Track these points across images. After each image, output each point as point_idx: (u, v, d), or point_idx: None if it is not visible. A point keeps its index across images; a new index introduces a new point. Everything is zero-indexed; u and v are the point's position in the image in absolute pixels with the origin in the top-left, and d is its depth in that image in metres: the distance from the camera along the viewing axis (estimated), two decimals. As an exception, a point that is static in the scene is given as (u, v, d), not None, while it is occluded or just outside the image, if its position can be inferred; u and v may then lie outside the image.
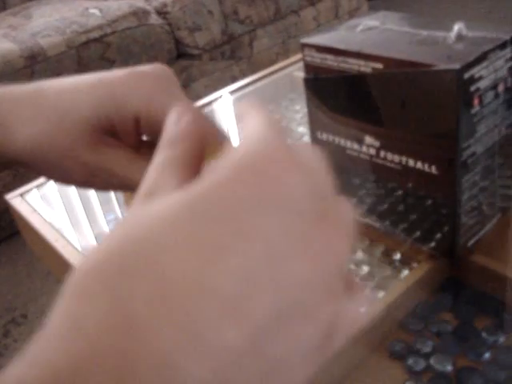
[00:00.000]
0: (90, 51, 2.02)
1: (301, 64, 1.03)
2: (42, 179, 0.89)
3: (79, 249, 0.75)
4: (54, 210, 0.85)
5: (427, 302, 0.62)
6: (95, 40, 2.04)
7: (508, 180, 0.65)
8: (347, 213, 0.26)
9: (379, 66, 0.55)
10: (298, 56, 1.14)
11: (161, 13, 2.23)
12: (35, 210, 0.84)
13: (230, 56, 2.38)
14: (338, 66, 0.58)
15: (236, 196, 0.22)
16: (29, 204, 0.86)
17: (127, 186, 0.41)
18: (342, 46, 0.58)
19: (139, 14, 2.15)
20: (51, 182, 0.90)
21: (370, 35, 0.59)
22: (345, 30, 0.62)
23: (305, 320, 0.23)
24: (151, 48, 2.14)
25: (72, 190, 0.90)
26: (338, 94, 0.61)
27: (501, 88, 0.56)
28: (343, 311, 0.25)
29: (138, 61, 2.11)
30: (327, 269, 0.23)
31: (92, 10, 2.16)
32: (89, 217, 0.84)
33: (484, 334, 0.57)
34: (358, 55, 0.56)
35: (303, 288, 0.22)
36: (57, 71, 1.96)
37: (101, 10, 2.15)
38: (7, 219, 1.92)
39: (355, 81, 0.58)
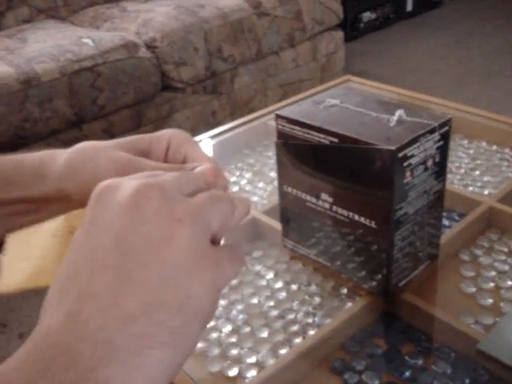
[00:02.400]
0: (82, 79, 2.14)
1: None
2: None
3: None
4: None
5: (364, 330, 0.75)
6: (87, 69, 2.15)
7: (436, 232, 0.79)
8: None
9: (335, 140, 0.69)
10: (275, 106, 1.28)
11: (150, 47, 2.35)
12: None
13: (211, 91, 2.51)
14: (303, 136, 0.73)
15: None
16: None
17: None
18: (307, 121, 0.72)
19: (129, 47, 2.28)
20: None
21: (331, 112, 0.74)
22: (311, 105, 0.76)
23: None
24: (138, 79, 2.27)
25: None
26: (302, 157, 0.75)
27: (430, 163, 0.70)
28: None
29: (125, 91, 2.23)
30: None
31: (85, 40, 2.28)
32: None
33: (407, 358, 0.70)
34: (319, 129, 0.70)
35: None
36: (49, 96, 2.07)
37: (94, 41, 2.27)
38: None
39: (316, 149, 0.72)
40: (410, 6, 4.25)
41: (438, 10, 4.42)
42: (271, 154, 1.16)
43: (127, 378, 0.32)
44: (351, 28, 3.86)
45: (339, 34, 3.01)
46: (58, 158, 0.53)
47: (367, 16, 3.99)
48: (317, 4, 2.79)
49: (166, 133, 0.52)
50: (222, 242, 0.42)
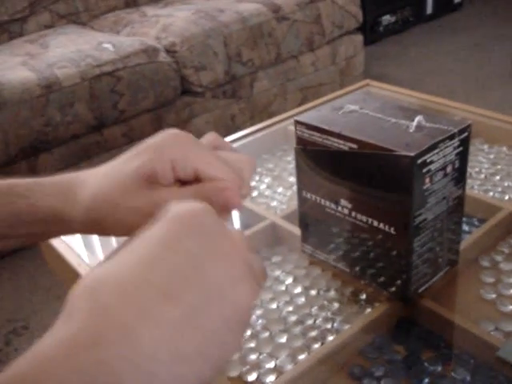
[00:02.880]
0: (102, 84, 2.16)
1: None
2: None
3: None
4: (77, 237, 0.98)
5: (384, 336, 0.75)
6: (107, 74, 2.17)
7: (456, 237, 0.79)
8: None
9: (354, 146, 0.69)
10: (294, 111, 1.28)
11: (169, 51, 2.37)
12: (74, 252, 0.95)
13: (231, 95, 2.52)
14: (322, 142, 0.73)
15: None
16: (68, 245, 0.97)
17: None
18: (326, 127, 0.72)
19: (149, 52, 2.29)
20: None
21: (350, 118, 0.74)
22: (330, 111, 0.76)
23: (223, 301, 0.35)
24: (158, 84, 2.28)
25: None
26: (322, 163, 0.75)
27: (449, 169, 0.70)
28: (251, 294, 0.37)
29: (145, 95, 2.25)
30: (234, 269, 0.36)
31: (106, 45, 2.30)
32: (110, 244, 0.97)
33: (426, 364, 0.70)
34: (338, 135, 0.71)
35: (220, 280, 0.35)
36: (70, 101, 2.09)
37: (114, 45, 2.29)
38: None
39: (335, 155, 0.72)
40: (429, 9, 4.23)
41: (458, 12, 4.39)
42: (290, 158, 1.16)
43: None
44: (370, 31, 3.84)
45: (358, 38, 3.00)
46: (76, 203, 0.52)
47: (387, 19, 3.97)
48: (336, 8, 2.79)
49: (167, 150, 0.50)
50: None
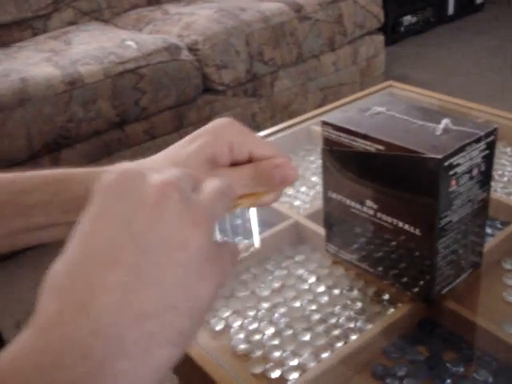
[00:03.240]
0: (125, 81, 2.17)
1: (318, 119, 1.18)
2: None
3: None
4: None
5: (406, 336, 0.76)
6: (130, 71, 2.19)
7: (480, 240, 0.80)
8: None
9: (381, 147, 0.70)
10: (317, 111, 1.29)
11: (192, 49, 2.38)
12: None
13: (252, 94, 2.53)
14: (349, 143, 0.74)
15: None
16: None
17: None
18: (353, 128, 0.73)
19: (172, 50, 2.31)
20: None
21: (377, 120, 0.75)
22: (357, 112, 0.77)
23: (166, 249, 0.35)
24: (180, 82, 2.29)
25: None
26: (348, 164, 0.76)
27: (475, 172, 0.71)
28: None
29: (167, 93, 2.26)
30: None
31: (128, 42, 2.32)
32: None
33: (448, 365, 0.71)
34: (365, 137, 0.71)
35: (155, 234, 0.35)
36: (93, 97, 2.11)
37: (137, 43, 2.30)
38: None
39: (362, 156, 0.73)
40: (451, 10, 4.22)
41: (480, 13, 4.37)
42: (313, 158, 1.17)
43: (135, 374, 0.33)
44: (392, 32, 3.84)
45: (379, 38, 3.00)
46: None
47: (408, 20, 3.96)
48: (358, 8, 2.79)
49: (224, 135, 0.54)
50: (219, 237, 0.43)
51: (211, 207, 0.39)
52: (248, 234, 0.96)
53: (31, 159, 2.06)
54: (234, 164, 0.54)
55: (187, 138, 0.56)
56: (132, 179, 0.38)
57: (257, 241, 0.93)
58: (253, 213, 0.97)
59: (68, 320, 0.33)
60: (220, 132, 0.54)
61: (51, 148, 2.09)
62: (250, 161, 0.54)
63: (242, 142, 0.54)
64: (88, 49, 2.29)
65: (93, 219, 0.37)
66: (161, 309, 0.34)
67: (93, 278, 0.34)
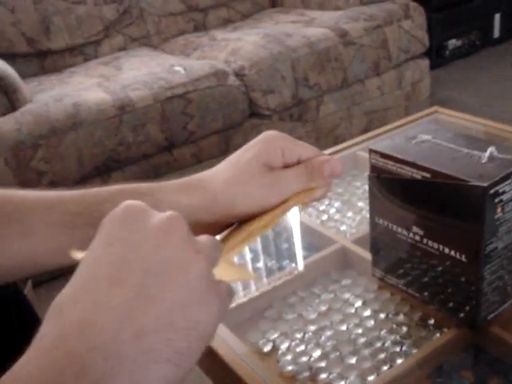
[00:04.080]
0: (173, 106, 2.23)
1: (364, 145, 1.20)
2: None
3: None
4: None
5: (452, 361, 0.77)
6: (178, 96, 2.24)
7: (526, 268, 0.80)
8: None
9: (427, 175, 0.72)
10: (362, 138, 1.31)
11: (238, 75, 2.43)
12: None
13: (297, 118, 2.56)
14: (396, 170, 0.76)
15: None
16: None
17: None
18: (400, 156, 0.75)
19: (219, 75, 2.35)
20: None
21: (423, 148, 0.76)
22: (404, 140, 0.79)
23: (170, 272, 0.39)
24: (227, 106, 2.34)
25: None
26: (395, 191, 0.78)
27: (521, 199, 0.72)
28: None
29: (214, 117, 2.31)
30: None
31: (177, 68, 2.37)
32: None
33: (494, 391, 0.72)
34: (412, 164, 0.73)
35: (160, 256, 0.39)
36: (142, 122, 2.17)
37: (185, 69, 2.36)
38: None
39: (408, 183, 0.75)
40: (496, 33, 4.20)
41: (527, 37, 4.34)
42: (359, 184, 1.19)
43: None
44: (436, 55, 3.84)
45: (424, 62, 3.01)
46: (208, 193, 0.60)
47: (453, 43, 3.96)
48: (402, 33, 2.81)
49: (275, 142, 0.60)
50: None
51: (210, 247, 0.43)
52: (293, 257, 0.98)
53: (82, 181, 2.12)
54: (286, 166, 0.60)
55: (242, 148, 0.61)
56: (138, 211, 0.42)
57: (300, 264, 0.95)
58: (297, 237, 0.99)
59: (70, 338, 0.35)
60: (271, 140, 0.60)
61: (101, 170, 2.15)
62: (299, 163, 0.61)
63: (291, 147, 0.60)
64: (137, 74, 2.36)
65: (100, 245, 0.40)
66: (160, 326, 0.37)
67: (97, 297, 0.37)
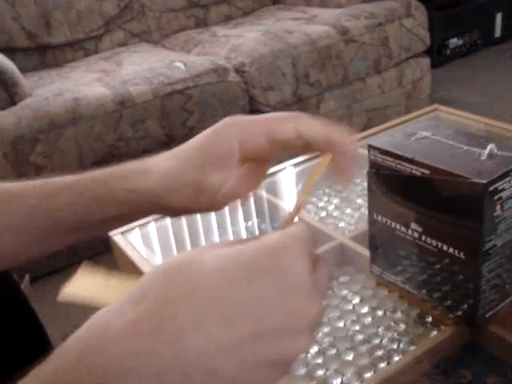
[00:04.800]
0: (173, 101, 2.22)
1: (363, 142, 1.20)
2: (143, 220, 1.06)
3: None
4: (153, 249, 1.03)
5: (449, 359, 0.76)
6: (178, 92, 2.24)
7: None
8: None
9: (426, 171, 0.71)
10: (361, 135, 1.31)
11: (239, 71, 2.42)
12: (135, 248, 1.02)
13: (297, 115, 2.56)
14: (395, 167, 0.75)
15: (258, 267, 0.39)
16: (129, 242, 1.04)
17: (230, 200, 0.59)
18: (399, 152, 0.74)
19: (219, 71, 2.35)
20: (151, 224, 1.08)
21: (422, 144, 0.76)
22: (403, 137, 0.78)
23: (272, 345, 0.38)
24: (227, 103, 2.34)
25: (169, 232, 1.08)
26: (393, 187, 0.77)
27: (520, 197, 0.71)
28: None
29: (214, 113, 2.31)
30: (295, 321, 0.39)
31: (177, 64, 2.37)
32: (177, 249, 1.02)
33: (491, 389, 0.72)
34: (411, 161, 0.73)
35: (276, 326, 0.38)
36: (142, 117, 2.17)
37: (185, 64, 2.35)
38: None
39: (407, 180, 0.74)
40: (498, 32, 4.19)
41: (529, 36, 4.33)
42: (358, 180, 1.19)
43: None
44: (437, 54, 3.83)
45: (425, 61, 3.00)
46: (149, 179, 0.59)
47: (454, 42, 3.95)
48: (404, 31, 2.80)
49: (230, 133, 0.57)
50: None
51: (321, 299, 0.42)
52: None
53: (81, 176, 2.12)
54: (258, 156, 0.58)
55: (193, 137, 0.59)
56: (297, 260, 0.40)
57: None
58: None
59: (161, 337, 0.36)
60: (223, 131, 0.57)
61: (100, 166, 2.13)
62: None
63: (256, 132, 0.56)
64: (138, 70, 2.35)
65: (247, 270, 0.38)
66: (228, 381, 0.37)
67: (207, 321, 0.36)
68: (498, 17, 4.12)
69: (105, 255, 2.14)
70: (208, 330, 0.36)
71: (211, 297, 0.37)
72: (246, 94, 2.39)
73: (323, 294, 0.42)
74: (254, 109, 2.44)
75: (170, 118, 2.22)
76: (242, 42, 2.55)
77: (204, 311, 0.37)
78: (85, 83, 2.29)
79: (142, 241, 1.06)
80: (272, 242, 0.40)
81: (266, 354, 0.37)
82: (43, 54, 2.70)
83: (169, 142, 2.25)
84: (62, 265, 2.12)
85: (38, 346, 0.75)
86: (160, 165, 0.59)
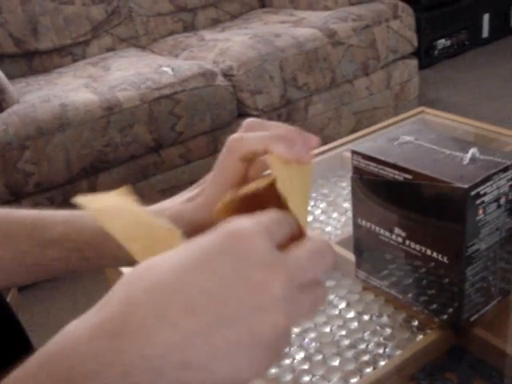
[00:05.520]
0: (161, 106, 2.22)
1: (350, 146, 1.20)
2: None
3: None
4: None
5: (435, 362, 0.76)
6: (166, 96, 2.24)
7: (509, 267, 0.80)
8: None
9: (409, 176, 0.72)
10: (348, 138, 1.31)
11: (226, 75, 2.42)
12: None
13: (286, 118, 2.56)
14: (378, 172, 0.75)
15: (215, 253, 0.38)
16: None
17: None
18: (382, 157, 0.75)
19: (207, 75, 2.35)
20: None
21: (405, 149, 0.76)
22: (386, 142, 0.79)
23: (239, 325, 0.37)
24: (215, 107, 2.34)
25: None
26: (377, 192, 0.78)
27: (503, 200, 0.71)
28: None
29: (203, 118, 2.31)
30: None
31: (165, 68, 2.37)
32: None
33: (477, 393, 0.72)
34: (393, 166, 0.73)
35: (241, 305, 0.37)
36: (130, 122, 2.16)
37: (173, 69, 2.35)
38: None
39: (390, 185, 0.74)
40: (485, 33, 4.21)
41: (516, 36, 4.35)
42: (345, 184, 1.19)
43: None
44: (425, 55, 3.84)
45: (413, 62, 3.01)
46: None
47: (442, 43, 3.97)
48: (391, 33, 2.81)
49: (234, 155, 0.57)
50: None
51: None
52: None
53: (69, 182, 2.11)
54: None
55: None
56: (255, 243, 0.39)
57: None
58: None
59: (126, 336, 0.36)
60: (228, 156, 0.57)
61: (89, 172, 2.14)
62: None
63: (259, 151, 0.55)
64: (125, 75, 2.35)
65: (200, 259, 0.38)
66: (202, 367, 0.37)
67: (170, 314, 0.36)
68: (486, 17, 4.14)
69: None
70: (172, 322, 0.36)
71: (171, 288, 0.37)
72: (234, 97, 2.40)
73: (305, 272, 0.41)
74: (242, 113, 2.44)
75: (158, 122, 2.22)
76: (229, 45, 2.55)
77: (165, 303, 0.36)
78: (72, 89, 2.28)
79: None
80: (228, 226, 0.40)
81: (237, 335, 0.37)
82: (30, 60, 2.70)
83: (157, 147, 2.25)
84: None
85: (21, 356, 0.75)
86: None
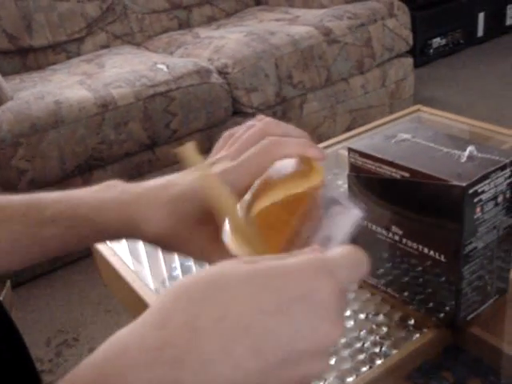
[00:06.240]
0: (156, 104, 2.21)
1: (345, 143, 1.20)
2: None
3: (153, 289, 0.91)
4: (133, 255, 1.02)
5: (431, 362, 0.76)
6: (161, 94, 2.23)
7: (506, 266, 0.80)
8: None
9: (406, 174, 0.71)
10: (343, 136, 1.30)
11: (222, 73, 2.42)
12: (116, 253, 1.01)
13: (281, 116, 2.55)
14: (375, 170, 0.75)
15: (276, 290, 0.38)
16: (110, 247, 1.03)
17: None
18: (379, 155, 0.74)
19: (202, 73, 2.34)
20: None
21: (402, 147, 0.76)
22: (383, 140, 0.78)
23: (295, 372, 0.38)
24: (210, 104, 2.33)
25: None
26: (374, 190, 0.77)
27: (500, 199, 0.71)
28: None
29: (197, 115, 2.30)
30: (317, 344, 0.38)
31: (160, 66, 2.36)
32: (165, 261, 1.01)
33: (473, 392, 0.72)
34: (390, 164, 0.73)
35: (301, 352, 0.38)
36: (124, 120, 2.15)
37: (168, 66, 2.35)
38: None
39: (387, 183, 0.74)
40: (480, 32, 4.21)
41: (509, 35, 4.35)
42: (341, 182, 1.18)
43: None
44: (420, 54, 3.84)
45: (408, 61, 3.01)
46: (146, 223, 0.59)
47: (437, 42, 3.97)
48: (387, 31, 2.80)
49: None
50: None
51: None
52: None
53: (63, 180, 2.10)
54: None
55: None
56: (327, 291, 0.39)
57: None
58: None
59: (187, 366, 0.35)
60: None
61: (83, 169, 2.13)
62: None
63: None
64: (120, 72, 2.34)
65: (278, 301, 0.37)
66: None
67: (235, 350, 0.36)
68: (481, 16, 4.14)
69: (88, 259, 2.14)
70: (236, 360, 0.35)
71: (241, 325, 0.36)
72: (229, 95, 2.39)
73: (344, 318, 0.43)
74: (237, 110, 2.44)
75: (153, 120, 2.21)
76: (224, 43, 2.54)
77: (233, 340, 0.36)
78: (67, 86, 2.27)
79: (128, 250, 1.04)
80: (301, 266, 0.39)
81: (290, 377, 0.38)
82: (25, 57, 2.68)
83: (152, 144, 2.24)
84: (44, 270, 2.10)
85: (14, 356, 0.74)
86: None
